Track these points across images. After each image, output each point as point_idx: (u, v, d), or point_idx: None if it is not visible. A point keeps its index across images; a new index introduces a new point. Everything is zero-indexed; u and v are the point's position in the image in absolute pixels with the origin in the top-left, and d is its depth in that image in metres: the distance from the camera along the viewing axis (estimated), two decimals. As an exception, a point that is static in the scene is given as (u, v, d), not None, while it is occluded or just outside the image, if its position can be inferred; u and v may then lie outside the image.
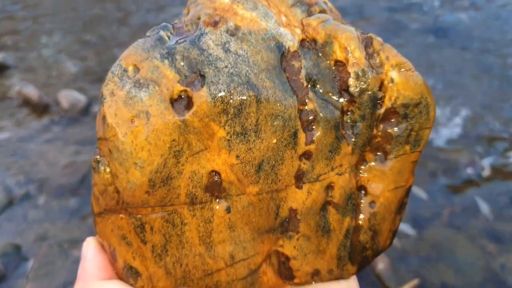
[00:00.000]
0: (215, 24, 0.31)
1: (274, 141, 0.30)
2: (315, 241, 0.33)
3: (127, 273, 0.33)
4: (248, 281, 0.33)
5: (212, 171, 0.31)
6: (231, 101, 0.29)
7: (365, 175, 0.33)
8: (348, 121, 0.32)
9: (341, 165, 0.32)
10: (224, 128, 0.30)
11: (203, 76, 0.30)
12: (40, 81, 2.07)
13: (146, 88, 0.30)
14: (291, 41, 0.31)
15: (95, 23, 2.67)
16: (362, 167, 0.33)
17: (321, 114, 0.31)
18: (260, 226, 0.32)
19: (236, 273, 0.32)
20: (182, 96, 0.30)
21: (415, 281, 1.10)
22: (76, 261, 1.20)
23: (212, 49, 0.30)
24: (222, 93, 0.29)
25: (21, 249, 1.25)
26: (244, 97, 0.30)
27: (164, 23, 0.34)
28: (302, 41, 0.32)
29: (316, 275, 0.33)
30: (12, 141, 1.70)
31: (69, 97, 1.86)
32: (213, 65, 0.30)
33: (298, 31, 0.32)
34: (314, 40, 0.32)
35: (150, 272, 0.32)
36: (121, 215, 0.32)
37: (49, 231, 1.31)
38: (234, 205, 0.31)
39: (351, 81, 0.31)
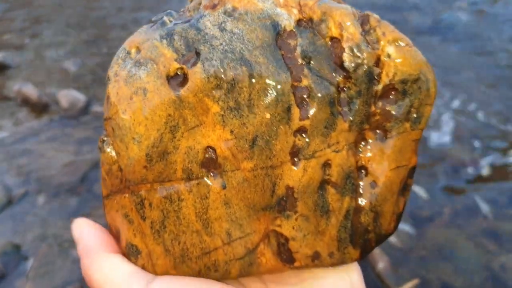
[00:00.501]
0: (213, 6, 0.32)
1: (268, 116, 0.30)
2: (314, 221, 0.32)
3: (129, 251, 0.33)
4: (246, 261, 0.32)
5: (208, 146, 0.31)
6: (224, 76, 0.30)
7: (366, 155, 0.33)
8: (345, 98, 0.31)
9: (338, 142, 0.31)
10: (218, 103, 0.30)
11: (198, 54, 0.31)
12: (39, 80, 2.07)
13: (145, 67, 0.31)
14: (287, 21, 0.32)
15: (95, 22, 2.67)
16: (362, 146, 0.33)
17: (315, 90, 0.31)
18: (256, 203, 0.31)
19: (233, 252, 0.32)
20: (179, 73, 0.31)
21: (415, 281, 1.10)
22: (76, 261, 1.19)
23: (209, 28, 0.31)
24: (216, 69, 0.30)
25: (21, 248, 1.25)
26: (237, 72, 0.30)
27: (169, 10, 0.35)
28: (298, 21, 0.32)
29: (316, 258, 0.33)
30: (12, 140, 1.70)
31: (68, 96, 1.86)
32: (208, 43, 0.31)
33: (295, 11, 0.32)
34: (311, 19, 0.32)
35: (149, 249, 0.32)
36: (125, 194, 0.32)
37: (48, 230, 1.31)
38: (229, 181, 0.31)
39: (345, 56, 0.31)
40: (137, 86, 0.31)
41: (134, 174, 0.32)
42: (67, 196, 1.43)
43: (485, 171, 1.42)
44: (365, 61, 0.31)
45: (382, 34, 0.32)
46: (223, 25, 0.31)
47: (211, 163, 0.31)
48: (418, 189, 1.37)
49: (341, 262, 0.33)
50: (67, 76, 2.11)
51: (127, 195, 0.32)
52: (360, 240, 0.33)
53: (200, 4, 0.33)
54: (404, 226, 1.25)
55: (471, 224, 1.24)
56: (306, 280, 0.34)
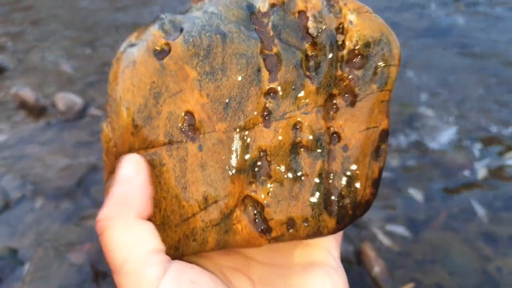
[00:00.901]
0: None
1: (239, 78, 0.33)
2: (287, 186, 0.33)
3: None
4: (222, 227, 0.33)
5: (187, 111, 0.33)
6: (201, 44, 0.33)
7: (337, 121, 0.34)
8: (313, 64, 0.34)
9: (306, 104, 0.33)
10: (196, 69, 0.33)
11: (182, 30, 0.34)
12: (36, 83, 2.07)
13: (137, 46, 0.34)
14: (261, 3, 0.35)
15: (93, 25, 2.67)
16: (333, 113, 0.34)
17: (283, 55, 0.33)
18: (230, 164, 0.32)
19: (209, 217, 0.33)
20: (165, 49, 0.34)
21: (411, 284, 1.10)
22: (73, 265, 1.20)
23: (193, 13, 0.35)
24: (194, 38, 0.33)
25: (17, 252, 1.25)
26: (212, 40, 0.33)
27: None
28: (273, 4, 0.35)
29: (292, 227, 0.33)
30: (9, 143, 1.70)
31: (65, 99, 1.86)
32: (191, 21, 0.34)
33: None
34: (283, 2, 0.35)
35: None
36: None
37: (45, 234, 1.31)
38: (206, 143, 0.33)
39: (309, 24, 0.34)
40: (128, 61, 0.34)
41: (123, 144, 0.33)
42: (64, 200, 1.43)
43: (481, 174, 1.43)
44: (327, 26, 0.34)
45: (343, 4, 0.35)
46: (205, 8, 0.35)
47: (190, 126, 0.33)
48: (414, 192, 1.37)
49: (318, 231, 0.33)
50: (64, 79, 2.11)
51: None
52: (335, 207, 0.33)
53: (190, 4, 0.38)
54: (399, 230, 1.25)
55: (467, 228, 1.25)
56: (293, 285, 0.33)
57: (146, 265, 0.28)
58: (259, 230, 0.33)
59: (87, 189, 1.47)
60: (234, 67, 0.33)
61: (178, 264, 0.30)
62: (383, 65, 0.34)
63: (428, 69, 1.99)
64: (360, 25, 0.35)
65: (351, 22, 0.34)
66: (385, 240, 1.22)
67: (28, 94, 1.89)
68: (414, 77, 1.93)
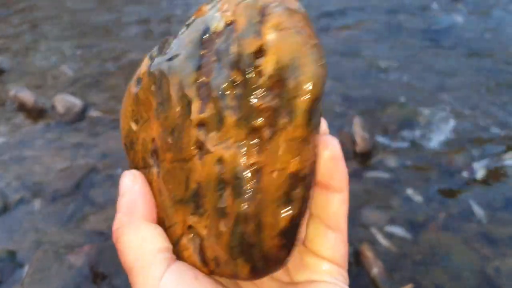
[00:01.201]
0: (187, 21, 0.37)
1: (178, 109, 0.32)
2: (215, 222, 0.31)
3: None
4: (176, 250, 0.33)
5: (153, 138, 0.34)
6: (157, 74, 0.34)
7: (258, 158, 0.30)
8: (236, 93, 0.31)
9: (228, 138, 0.31)
10: (155, 100, 0.34)
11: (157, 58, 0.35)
12: (35, 85, 2.07)
13: (135, 73, 0.37)
14: (218, 23, 0.33)
15: (92, 28, 2.67)
16: (251, 146, 0.30)
17: (213, 83, 0.31)
18: (175, 194, 0.33)
19: (170, 238, 0.33)
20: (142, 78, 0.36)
21: (410, 285, 1.10)
22: (72, 267, 1.20)
23: (172, 40, 0.36)
24: (153, 68, 0.34)
25: (16, 254, 1.25)
26: (163, 69, 0.34)
27: None
28: (228, 23, 0.33)
29: (217, 265, 0.31)
30: (7, 145, 1.70)
31: (64, 101, 1.86)
32: (164, 49, 0.35)
33: (229, 14, 0.33)
34: (235, 21, 0.33)
35: None
36: None
37: (44, 236, 1.31)
38: (161, 170, 0.33)
39: (232, 48, 0.31)
40: (130, 87, 0.37)
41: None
42: (62, 202, 1.43)
43: (480, 175, 1.43)
44: (246, 51, 0.30)
45: (266, 20, 0.30)
46: (179, 34, 0.36)
47: (154, 153, 0.34)
48: (412, 193, 1.37)
49: (236, 275, 0.31)
50: (63, 80, 2.11)
51: None
52: (247, 254, 0.30)
53: None
54: (398, 230, 1.25)
55: (465, 228, 1.25)
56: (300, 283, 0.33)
57: (151, 263, 0.30)
58: (200, 261, 0.32)
59: (86, 191, 1.47)
60: (174, 98, 0.32)
61: (182, 263, 0.32)
62: (291, 96, 0.29)
63: (426, 69, 1.99)
64: (276, 46, 0.29)
65: (269, 42, 0.29)
66: (384, 241, 1.22)
67: (27, 96, 1.89)
68: (412, 77, 1.94)
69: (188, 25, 0.35)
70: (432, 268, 1.15)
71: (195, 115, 0.32)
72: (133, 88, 0.36)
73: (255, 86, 0.30)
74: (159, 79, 0.34)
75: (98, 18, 2.76)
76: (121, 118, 0.37)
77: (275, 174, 0.29)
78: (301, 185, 0.29)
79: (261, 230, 0.30)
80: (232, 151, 0.30)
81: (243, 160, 0.30)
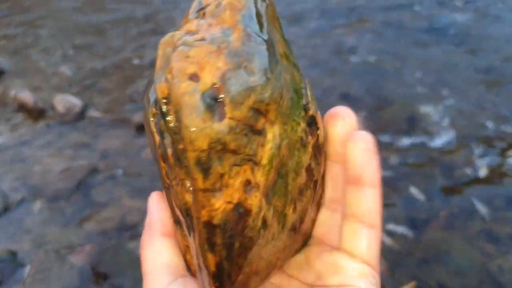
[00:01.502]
0: None
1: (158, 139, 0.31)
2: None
3: None
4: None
5: None
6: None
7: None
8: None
9: (175, 177, 0.28)
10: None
11: None
12: (35, 85, 2.07)
13: None
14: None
15: (92, 27, 2.67)
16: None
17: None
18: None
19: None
20: None
21: (413, 283, 1.10)
22: (73, 267, 1.19)
23: None
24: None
25: (17, 255, 1.25)
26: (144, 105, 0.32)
27: None
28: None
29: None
30: (8, 146, 1.70)
31: (64, 101, 1.86)
32: None
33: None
34: None
35: None
36: None
37: (45, 236, 1.30)
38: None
39: (154, 89, 0.28)
40: None
41: None
42: (63, 203, 1.43)
43: (483, 173, 1.42)
44: (157, 95, 0.27)
45: (171, 67, 0.26)
46: None
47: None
48: (414, 191, 1.37)
49: None
50: (63, 81, 2.11)
51: None
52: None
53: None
54: (400, 229, 1.25)
55: (468, 226, 1.24)
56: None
57: (159, 274, 0.33)
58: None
59: (86, 191, 1.46)
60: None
61: (188, 278, 0.33)
62: (176, 143, 0.27)
63: (427, 67, 1.99)
64: (173, 93, 0.26)
65: (170, 89, 0.26)
66: (386, 239, 1.22)
67: (27, 97, 1.89)
68: (413, 75, 1.93)
69: None
70: (435, 266, 1.14)
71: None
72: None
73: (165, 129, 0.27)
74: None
75: (99, 19, 2.76)
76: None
77: (196, 221, 0.27)
78: (212, 233, 0.27)
79: (203, 271, 0.29)
80: (177, 189, 0.28)
81: (186, 200, 0.28)
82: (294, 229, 0.32)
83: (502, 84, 1.85)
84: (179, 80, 0.24)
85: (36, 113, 1.86)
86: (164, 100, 0.26)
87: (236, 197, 0.26)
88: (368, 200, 0.32)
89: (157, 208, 0.35)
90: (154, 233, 0.34)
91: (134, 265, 1.17)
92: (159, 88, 0.26)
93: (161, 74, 0.27)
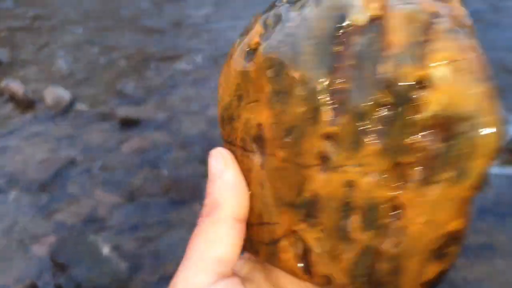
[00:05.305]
0: None
1: (300, 110, 0.28)
2: (332, 241, 0.29)
3: None
4: (269, 249, 0.31)
5: (259, 123, 0.30)
6: (276, 58, 0.29)
7: (401, 196, 0.27)
8: (383, 117, 0.27)
9: (366, 164, 0.27)
10: (269, 84, 0.30)
11: (273, 31, 0.31)
12: (30, 77, 2.10)
13: (240, 37, 0.33)
14: (359, 15, 0.28)
15: (95, 22, 2.70)
16: (399, 183, 0.27)
17: (352, 97, 0.27)
18: (282, 194, 0.29)
19: (262, 235, 0.31)
20: (254, 49, 0.31)
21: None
22: (33, 257, 1.20)
23: (294, 9, 0.31)
24: (271, 50, 0.29)
25: (-17, 242, 1.26)
26: (285, 57, 0.29)
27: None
28: (372, 19, 0.28)
29: (328, 283, 0.29)
30: (-8, 135, 1.72)
31: (54, 94, 1.88)
32: (282, 23, 0.30)
33: (375, 7, 0.28)
34: (381, 19, 0.28)
35: None
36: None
37: (15, 225, 1.32)
38: (267, 163, 0.30)
39: (386, 68, 0.26)
40: (230, 53, 0.33)
41: (221, 129, 0.34)
42: (38, 193, 1.44)
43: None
44: (405, 79, 0.26)
45: (436, 49, 0.26)
46: (303, 8, 0.30)
47: (259, 139, 0.31)
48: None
49: None
50: (57, 74, 2.14)
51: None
52: (375, 287, 0.28)
53: None
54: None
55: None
56: None
57: (201, 270, 0.29)
58: (303, 268, 0.30)
59: (62, 183, 1.47)
60: (297, 96, 0.28)
61: (234, 281, 0.29)
62: (466, 152, 0.25)
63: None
64: (449, 87, 0.25)
65: (440, 78, 0.25)
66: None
67: (17, 87, 1.91)
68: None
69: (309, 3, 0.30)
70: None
71: (323, 125, 0.27)
72: (240, 59, 0.32)
73: (409, 119, 0.26)
74: (277, 67, 0.29)
75: (103, 13, 2.79)
76: (221, 87, 0.34)
77: (434, 226, 0.26)
78: (457, 242, 0.27)
79: (400, 273, 0.28)
80: (369, 180, 0.27)
81: (383, 194, 0.27)
82: None
83: (501, 88, 1.81)
84: (464, 73, 0.26)
85: (25, 104, 1.88)
86: (416, 85, 0.26)
87: None
88: None
89: (229, 178, 0.30)
90: (221, 216, 0.29)
91: (93, 257, 1.17)
92: (413, 72, 0.26)
93: (410, 55, 0.26)
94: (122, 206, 1.37)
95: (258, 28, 0.31)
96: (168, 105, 1.86)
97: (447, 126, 0.25)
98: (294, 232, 0.30)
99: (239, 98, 0.32)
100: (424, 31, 0.26)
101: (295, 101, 0.28)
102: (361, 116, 0.27)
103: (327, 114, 0.27)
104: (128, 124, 1.75)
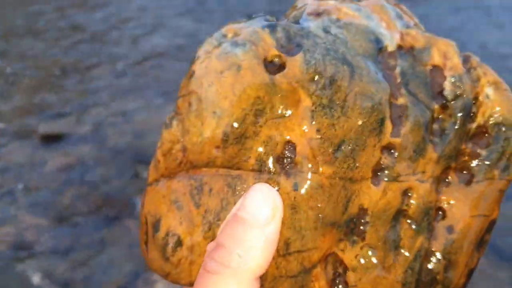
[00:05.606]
0: (317, 14, 0.32)
1: (360, 122, 0.29)
2: (381, 254, 0.29)
3: (167, 242, 0.30)
4: (297, 281, 0.29)
5: (289, 141, 0.29)
6: (324, 70, 0.29)
7: (447, 196, 0.31)
8: (438, 127, 0.31)
9: (423, 172, 0.30)
10: (311, 98, 0.29)
11: (299, 46, 0.30)
12: None
13: (243, 46, 0.30)
14: (389, 41, 0.31)
15: (18, 29, 2.55)
16: (444, 186, 0.31)
17: (411, 110, 0.30)
18: (326, 215, 0.28)
19: (287, 267, 0.29)
20: (276, 61, 0.30)
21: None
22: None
23: (312, 28, 0.31)
24: (317, 61, 0.29)
25: None
26: (338, 70, 0.29)
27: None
28: (399, 46, 0.32)
29: None
30: None
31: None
32: (311, 39, 0.30)
33: (397, 36, 0.32)
34: (412, 47, 0.32)
35: (193, 242, 0.29)
36: (179, 178, 0.30)
37: None
38: (303, 183, 0.28)
39: (446, 84, 0.31)
40: (230, 62, 0.29)
41: (200, 155, 0.29)
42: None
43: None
44: (465, 93, 0.31)
45: (483, 73, 0.32)
46: (327, 28, 0.31)
47: (287, 159, 0.29)
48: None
49: None
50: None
51: (182, 178, 0.30)
52: None
53: (302, 13, 0.33)
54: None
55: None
56: None
57: None
58: None
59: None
60: (357, 109, 0.28)
61: None
62: (511, 152, 0.31)
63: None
64: (497, 102, 0.31)
65: (487, 95, 0.32)
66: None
67: None
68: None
69: (335, 22, 0.31)
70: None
71: (386, 136, 0.29)
72: (259, 70, 0.29)
73: (464, 129, 0.31)
74: (330, 78, 0.28)
75: (8, 22, 2.64)
76: (222, 102, 0.29)
77: (481, 220, 0.31)
78: (491, 229, 0.32)
79: (451, 269, 0.30)
80: (426, 186, 0.30)
81: (435, 198, 0.30)
82: None
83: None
84: (508, 93, 0.33)
85: None
86: (473, 100, 0.32)
87: None
88: None
89: (273, 229, 0.26)
90: (247, 274, 0.25)
91: (23, 287, 1.12)
92: (471, 89, 0.32)
93: (466, 76, 0.32)
94: (51, 228, 1.32)
95: (267, 39, 0.30)
96: (91, 117, 1.80)
97: (491, 133, 0.32)
98: (330, 255, 0.29)
99: (259, 113, 0.29)
100: (464, 61, 0.33)
101: (353, 114, 0.29)
102: (421, 127, 0.30)
103: (389, 125, 0.29)
104: (50, 140, 1.68)
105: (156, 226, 0.30)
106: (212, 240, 0.28)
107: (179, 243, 0.29)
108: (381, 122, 0.29)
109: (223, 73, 0.29)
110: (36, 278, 1.13)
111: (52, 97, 1.94)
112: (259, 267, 0.25)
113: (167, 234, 0.30)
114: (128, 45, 2.40)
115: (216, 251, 0.25)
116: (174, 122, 0.30)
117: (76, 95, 1.95)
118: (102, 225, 1.31)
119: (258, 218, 0.26)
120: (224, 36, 0.31)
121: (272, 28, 0.31)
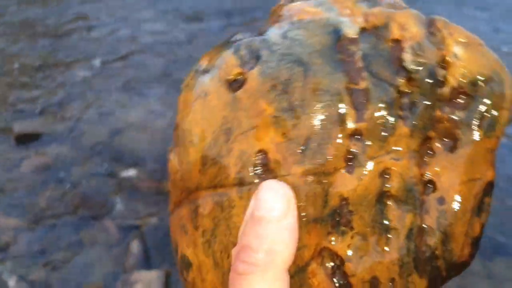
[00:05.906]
0: (280, 20, 0.33)
1: (321, 117, 0.29)
2: (372, 240, 0.29)
3: (181, 265, 0.31)
4: (295, 282, 0.29)
5: (260, 150, 0.30)
6: (279, 76, 0.30)
7: (433, 168, 0.30)
8: (407, 101, 0.30)
9: (397, 149, 0.30)
10: (272, 105, 0.29)
11: (258, 59, 0.31)
12: None
13: (209, 73, 0.32)
14: (350, 28, 0.31)
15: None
16: (429, 158, 0.30)
17: (373, 92, 0.30)
18: (307, 212, 0.29)
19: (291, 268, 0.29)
20: (239, 79, 0.31)
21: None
22: None
23: (272, 37, 0.32)
24: (271, 70, 0.30)
25: None
26: (292, 72, 0.30)
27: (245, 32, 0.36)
28: (363, 29, 0.32)
29: (375, 286, 0.29)
30: None
31: None
32: (269, 48, 0.31)
33: (360, 19, 0.32)
34: (375, 26, 0.32)
35: (199, 261, 0.30)
36: (183, 206, 0.31)
37: None
38: None
39: (405, 56, 0.30)
40: (200, 91, 0.31)
41: (191, 180, 0.30)
42: None
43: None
44: (428, 60, 0.30)
45: (448, 33, 0.31)
46: (285, 33, 0.31)
47: (263, 167, 0.29)
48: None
49: None
50: None
51: (186, 204, 0.31)
52: (427, 267, 0.30)
53: (267, 24, 0.34)
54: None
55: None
56: None
57: None
58: (338, 285, 0.29)
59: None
60: (315, 104, 0.29)
61: None
62: (491, 107, 0.30)
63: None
64: (467, 60, 0.31)
65: (456, 55, 0.31)
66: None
67: None
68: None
69: (294, 25, 0.32)
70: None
71: (350, 124, 0.29)
72: (222, 90, 0.30)
73: (435, 96, 0.30)
74: (285, 82, 0.29)
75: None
76: (194, 129, 0.31)
77: (472, 184, 0.30)
78: (491, 193, 0.31)
79: (450, 241, 0.30)
80: (403, 162, 0.29)
81: (418, 171, 0.30)
82: None
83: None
84: (477, 48, 0.31)
85: None
86: (439, 66, 0.30)
87: None
88: None
89: (290, 223, 0.26)
90: (275, 267, 0.25)
91: (0, 291, 1.10)
92: (435, 53, 0.30)
93: (428, 42, 0.31)
94: (27, 230, 1.30)
95: (231, 60, 0.31)
96: (67, 116, 1.78)
97: (468, 93, 0.31)
98: (323, 249, 0.30)
99: (227, 131, 0.30)
100: (428, 25, 0.32)
101: (314, 110, 0.29)
102: (386, 106, 0.29)
103: (352, 112, 0.29)
104: (26, 139, 1.65)
105: (176, 252, 0.32)
106: (213, 257, 0.29)
107: (189, 264, 0.31)
108: (342, 112, 0.29)
109: (194, 102, 0.31)
110: (11, 282, 1.12)
111: (26, 95, 1.91)
112: (287, 259, 0.26)
113: (181, 258, 0.31)
114: (105, 41, 2.37)
115: (243, 253, 0.26)
116: (172, 155, 0.32)
117: (50, 93, 1.92)
118: (80, 226, 1.30)
119: (274, 214, 0.26)
120: (201, 65, 0.33)
121: (236, 48, 0.32)
